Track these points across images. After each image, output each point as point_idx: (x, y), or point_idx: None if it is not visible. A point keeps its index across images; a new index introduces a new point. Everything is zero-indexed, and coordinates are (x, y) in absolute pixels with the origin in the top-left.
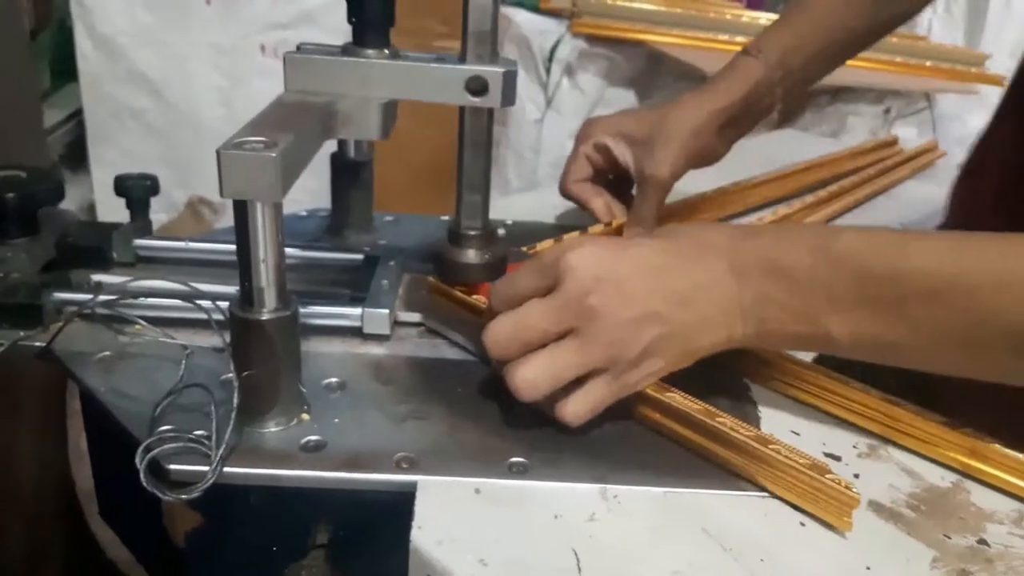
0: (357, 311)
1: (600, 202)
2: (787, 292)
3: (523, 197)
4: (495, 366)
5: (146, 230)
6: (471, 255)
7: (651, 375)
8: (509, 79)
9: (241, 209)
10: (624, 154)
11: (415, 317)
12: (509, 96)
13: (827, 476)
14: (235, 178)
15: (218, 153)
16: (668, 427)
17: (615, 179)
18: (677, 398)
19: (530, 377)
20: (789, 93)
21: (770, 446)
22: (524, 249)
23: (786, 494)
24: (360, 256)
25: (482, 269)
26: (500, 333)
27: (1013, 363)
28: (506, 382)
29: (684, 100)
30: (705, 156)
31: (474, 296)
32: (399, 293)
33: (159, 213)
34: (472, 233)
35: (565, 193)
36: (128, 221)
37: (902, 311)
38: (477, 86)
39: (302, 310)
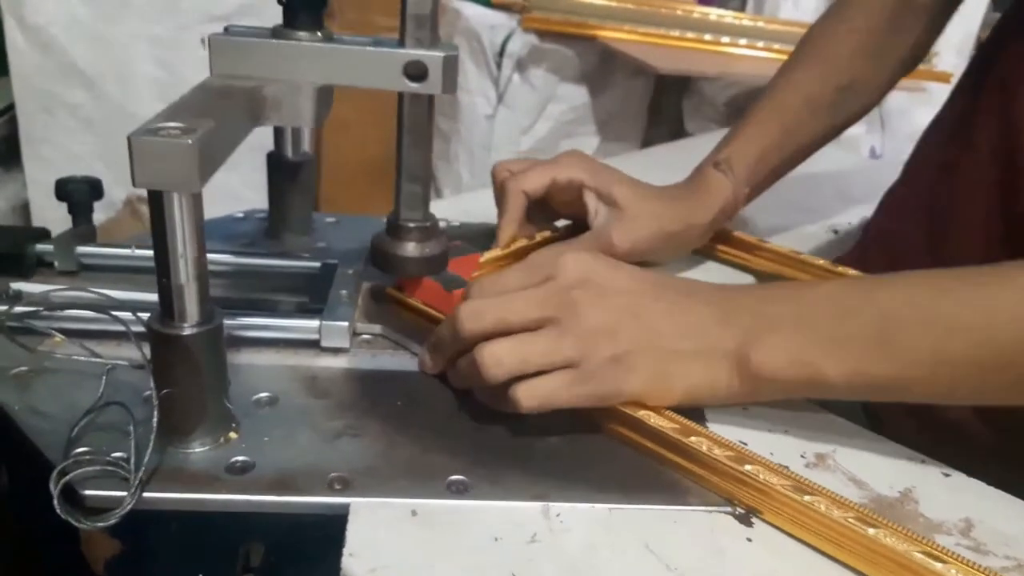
0: (312, 323)
1: (511, 232)
2: (776, 336)
3: (475, 196)
4: (457, 345)
5: (90, 236)
6: (410, 248)
7: (620, 392)
8: (450, 64)
9: (157, 201)
10: (597, 204)
11: (376, 329)
12: (450, 82)
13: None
14: (149, 167)
15: (129, 140)
16: (641, 444)
17: (546, 216)
18: (651, 416)
19: (498, 353)
20: (749, 200)
21: (747, 466)
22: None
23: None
24: (316, 264)
25: (422, 263)
26: (480, 306)
27: (1012, 389)
28: (473, 359)
29: (673, 199)
30: (651, 255)
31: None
32: (358, 303)
33: (97, 213)
34: (412, 225)
35: (501, 184)
36: (70, 227)
37: (891, 344)
38: (416, 71)
39: (246, 321)
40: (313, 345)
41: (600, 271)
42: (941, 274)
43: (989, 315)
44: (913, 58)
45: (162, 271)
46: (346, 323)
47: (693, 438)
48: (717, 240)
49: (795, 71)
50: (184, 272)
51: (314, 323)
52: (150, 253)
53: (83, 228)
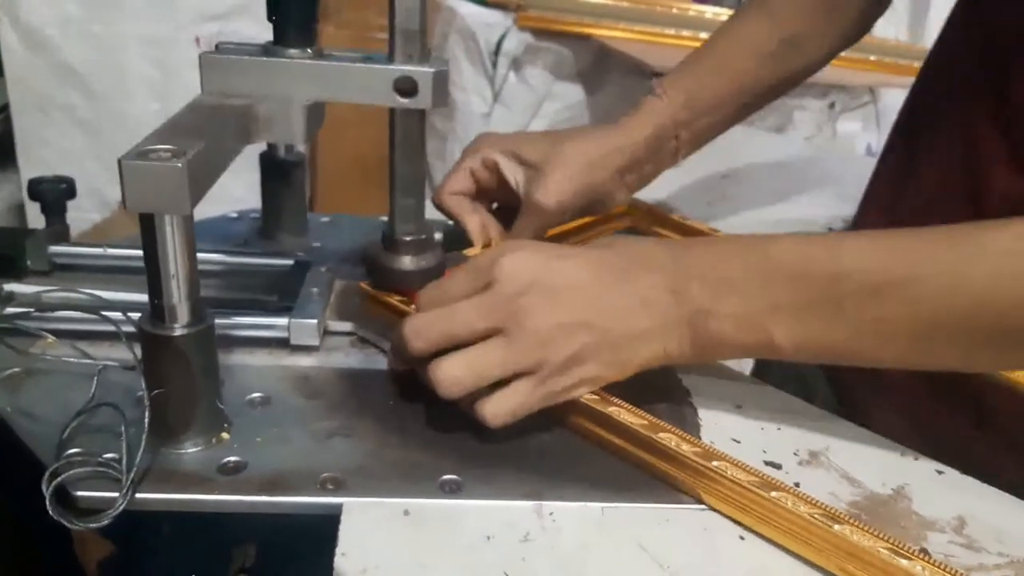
0: (283, 321)
1: (476, 220)
2: (728, 303)
3: None
4: (411, 361)
5: (62, 235)
6: (406, 261)
7: (582, 384)
8: (440, 79)
9: (148, 223)
10: (515, 173)
11: (347, 326)
12: (440, 97)
13: (772, 493)
14: (140, 190)
15: (120, 163)
16: (608, 440)
17: (500, 207)
18: (620, 412)
19: (454, 372)
20: (694, 139)
21: (714, 462)
22: (464, 253)
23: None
24: (289, 262)
25: (418, 275)
26: (423, 323)
27: (958, 354)
28: (426, 377)
29: (585, 132)
30: (600, 196)
31: (411, 305)
32: (330, 301)
33: (92, 213)
34: (407, 239)
35: (438, 204)
36: (44, 227)
37: (843, 312)
38: (406, 86)
39: (226, 321)
40: (285, 343)
41: (544, 269)
42: (898, 237)
43: (936, 288)
44: (863, 20)
45: (154, 291)
46: (315, 320)
47: (662, 434)
48: (658, 223)
49: (738, 24)
50: (176, 292)
51: (283, 321)
52: (121, 252)
53: (56, 228)
